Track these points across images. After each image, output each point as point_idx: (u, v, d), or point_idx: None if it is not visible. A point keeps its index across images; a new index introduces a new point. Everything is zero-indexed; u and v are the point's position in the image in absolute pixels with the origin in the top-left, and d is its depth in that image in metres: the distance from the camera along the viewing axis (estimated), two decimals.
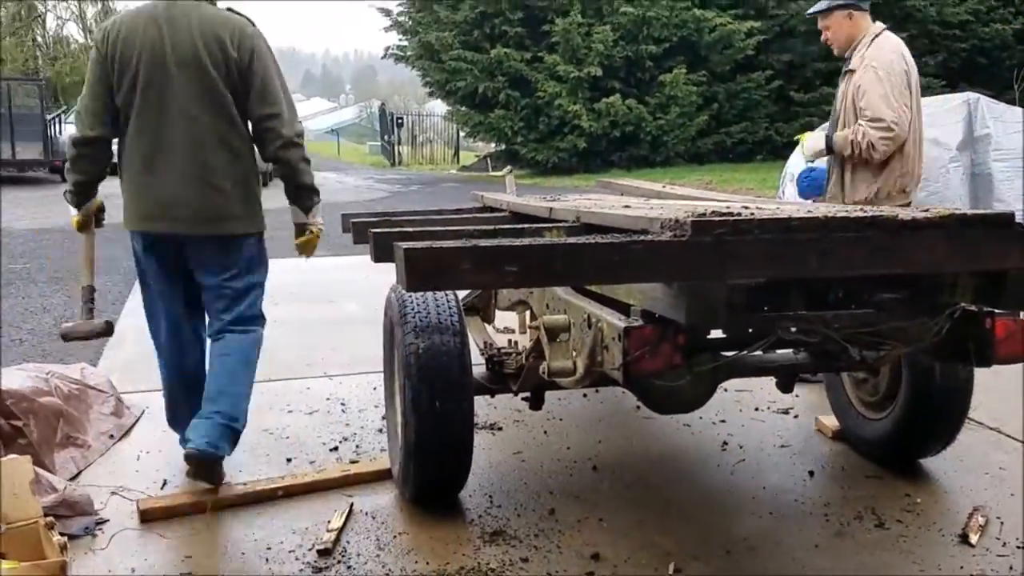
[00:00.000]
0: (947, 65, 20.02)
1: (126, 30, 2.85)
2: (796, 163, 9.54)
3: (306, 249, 3.41)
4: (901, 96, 3.43)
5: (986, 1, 19.44)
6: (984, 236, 1.88)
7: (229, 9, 3.00)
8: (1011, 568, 2.38)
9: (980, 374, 2.69)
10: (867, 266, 1.88)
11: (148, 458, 3.16)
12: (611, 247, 1.72)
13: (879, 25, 3.66)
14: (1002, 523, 2.63)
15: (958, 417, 2.90)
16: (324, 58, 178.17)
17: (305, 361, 4.42)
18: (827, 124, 3.88)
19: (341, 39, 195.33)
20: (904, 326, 2.17)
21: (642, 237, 1.81)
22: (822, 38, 3.79)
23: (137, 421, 3.50)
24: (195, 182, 2.88)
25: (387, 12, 25.10)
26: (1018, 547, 2.49)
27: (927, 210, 2.08)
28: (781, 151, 15.87)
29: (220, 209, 2.92)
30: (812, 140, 3.76)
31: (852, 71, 3.57)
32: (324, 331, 5.03)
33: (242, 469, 3.05)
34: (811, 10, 3.83)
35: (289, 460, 3.15)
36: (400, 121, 32.85)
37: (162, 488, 2.91)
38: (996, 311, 2.13)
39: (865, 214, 1.98)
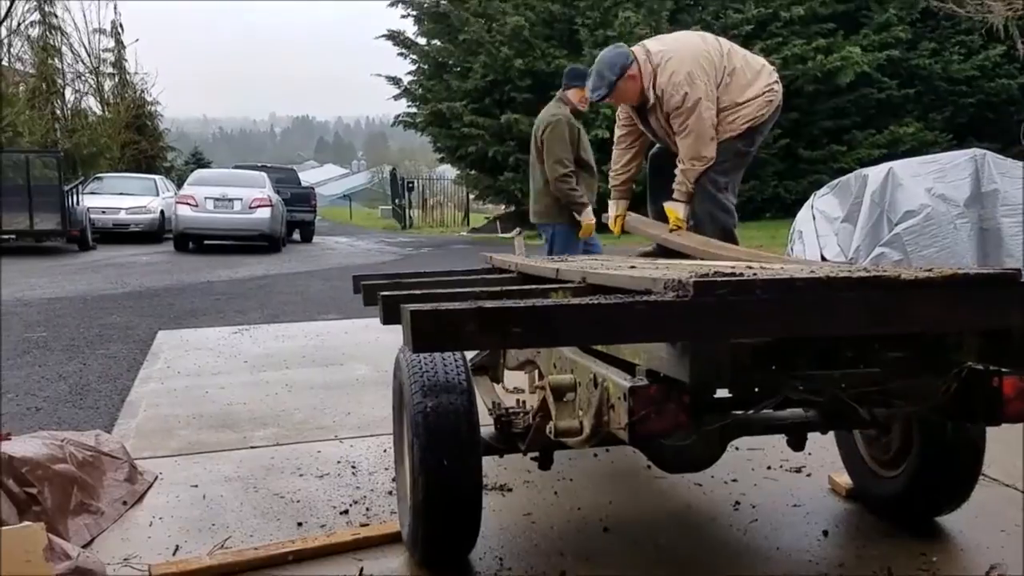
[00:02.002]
0: (954, 121, 20.23)
1: None
2: (804, 220, 9.64)
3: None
4: None
5: (991, 57, 19.73)
6: (987, 295, 1.90)
7: None
8: None
9: (994, 429, 2.67)
10: (869, 326, 1.91)
11: (161, 524, 3.16)
12: (614, 308, 1.75)
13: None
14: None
15: (972, 474, 2.88)
16: (337, 126, 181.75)
17: (316, 424, 4.43)
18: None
19: (353, 107, 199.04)
20: (911, 385, 2.18)
21: (645, 298, 1.84)
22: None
23: (150, 487, 3.51)
24: None
25: (396, 81, 25.64)
26: None
27: (930, 269, 2.11)
28: (790, 208, 15.97)
29: None
30: None
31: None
32: (336, 394, 5.05)
33: (253, 534, 3.05)
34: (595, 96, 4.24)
35: (300, 524, 3.15)
36: (411, 185, 33.35)
37: (174, 554, 2.90)
38: (1003, 369, 2.14)
39: (867, 273, 2.01)
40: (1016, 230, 8.03)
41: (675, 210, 4.18)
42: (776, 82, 4.24)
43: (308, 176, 46.20)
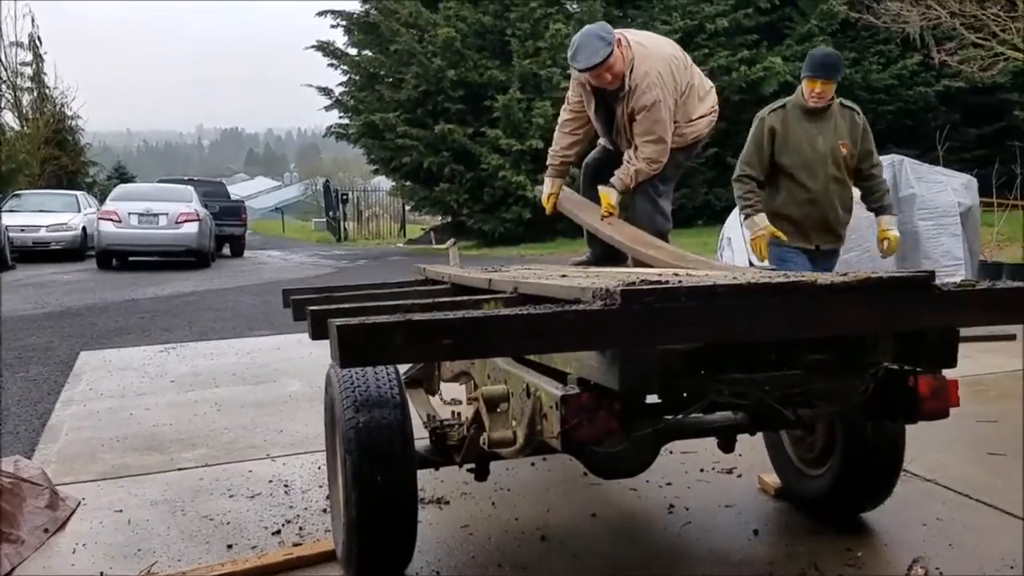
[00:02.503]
0: (874, 128, 20.79)
1: None
2: (732, 227, 9.82)
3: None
4: None
5: (909, 66, 20.42)
6: (901, 298, 1.97)
7: None
8: None
9: (912, 426, 2.76)
10: (790, 330, 1.96)
11: (84, 551, 3.07)
12: (543, 317, 1.76)
13: None
14: (941, 573, 2.68)
15: (893, 471, 2.97)
16: (267, 137, 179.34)
17: (247, 443, 4.35)
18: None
19: (284, 119, 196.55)
20: (832, 386, 2.24)
21: (574, 307, 1.86)
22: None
23: (72, 513, 3.40)
24: None
25: (328, 92, 25.40)
26: None
27: (846, 274, 2.17)
28: (719, 215, 16.26)
29: None
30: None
31: None
32: (267, 411, 4.96)
33: (180, 558, 2.98)
34: None
35: (230, 546, 3.08)
36: (345, 197, 33.07)
37: None
38: (918, 369, 2.22)
39: (787, 279, 2.06)
40: (933, 233, 8.32)
41: (608, 195, 4.12)
42: (716, 104, 4.32)
43: (238, 189, 45.46)
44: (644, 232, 4.05)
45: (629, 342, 1.85)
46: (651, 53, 4.00)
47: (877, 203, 4.62)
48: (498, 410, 2.31)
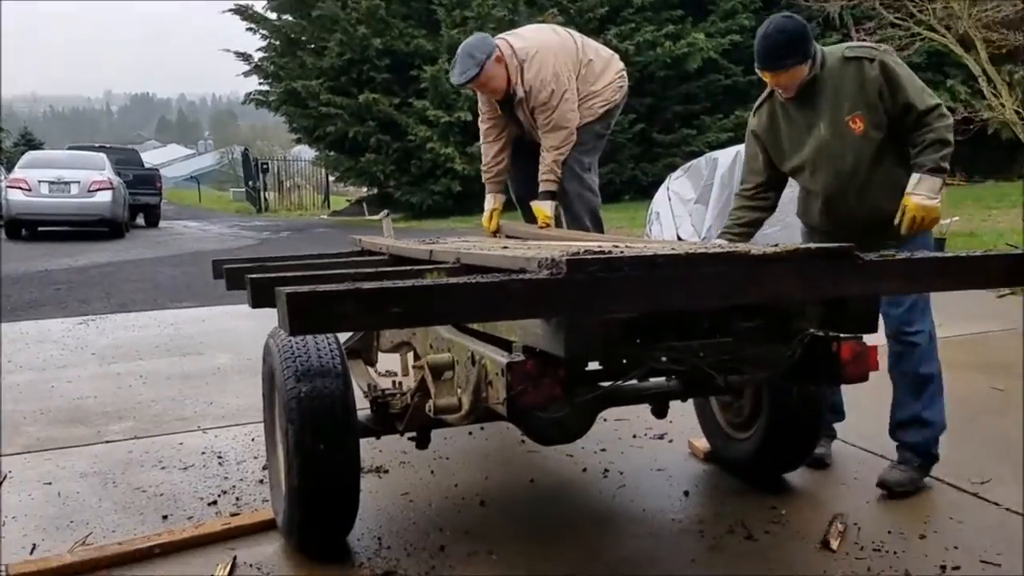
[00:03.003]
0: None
1: None
2: (660, 201, 10.02)
3: None
4: None
5: (828, 44, 20.95)
6: (826, 267, 2.07)
7: None
8: (869, 569, 2.57)
9: (849, 397, 2.91)
10: (725, 298, 2.04)
11: (14, 524, 3.01)
12: (492, 286, 1.80)
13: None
14: (859, 528, 2.84)
15: (814, 433, 3.14)
16: (180, 103, 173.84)
17: (176, 415, 4.30)
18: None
19: (198, 84, 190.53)
20: (761, 352, 2.35)
21: (521, 276, 1.90)
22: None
23: None
24: None
25: (247, 57, 24.73)
26: (874, 550, 2.69)
27: (776, 245, 2.27)
28: (647, 190, 16.51)
29: None
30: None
31: None
32: (196, 384, 4.90)
33: (115, 529, 2.95)
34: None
35: (165, 517, 3.06)
36: (265, 167, 32.29)
37: (31, 553, 2.78)
38: (841, 335, 2.34)
39: (722, 250, 2.15)
40: None
41: (543, 208, 4.22)
42: (623, 69, 4.44)
43: (150, 157, 43.96)
44: (581, 220, 4.16)
45: (574, 310, 1.91)
46: (540, 51, 4.12)
47: (915, 158, 3.13)
48: (443, 378, 2.35)
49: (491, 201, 4.54)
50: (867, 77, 3.12)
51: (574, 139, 4.21)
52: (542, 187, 4.25)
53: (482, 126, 4.50)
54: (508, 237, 4.21)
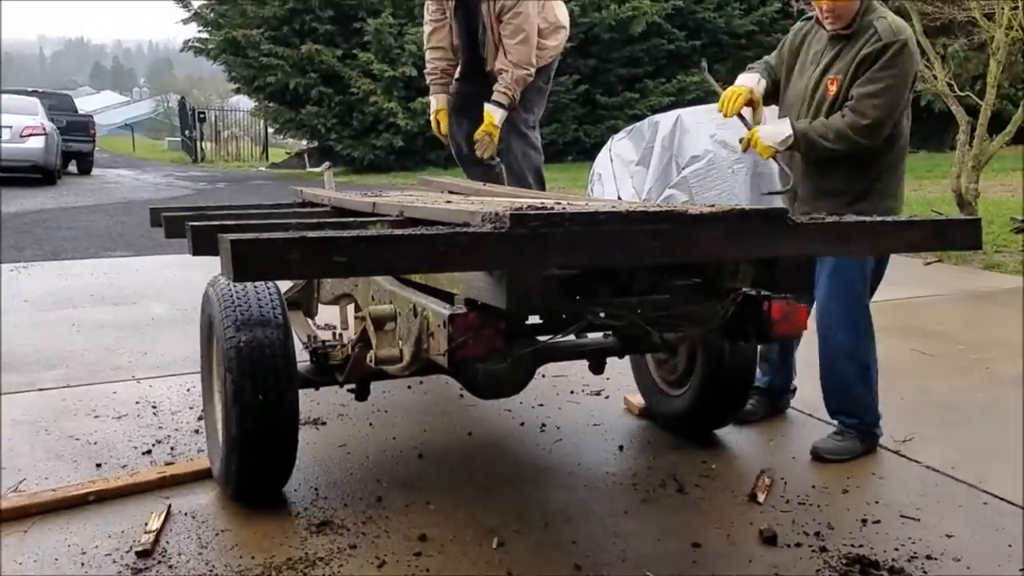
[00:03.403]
0: (735, 72, 21.46)
1: None
2: (602, 163, 10.08)
3: None
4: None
5: (768, 14, 21.17)
6: (759, 228, 2.13)
7: None
8: (793, 521, 2.68)
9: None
10: (663, 255, 2.09)
11: None
12: (437, 238, 1.82)
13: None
14: (785, 482, 2.95)
15: (745, 390, 3.25)
16: (115, 49, 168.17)
17: (111, 365, 4.24)
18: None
19: (134, 30, 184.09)
20: (696, 310, 2.41)
21: (465, 229, 1.93)
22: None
23: None
24: None
25: (186, 4, 23.94)
26: (799, 503, 2.81)
27: (713, 206, 2.32)
28: (589, 151, 16.55)
29: None
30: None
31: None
32: (130, 334, 4.82)
33: (48, 476, 2.92)
34: None
35: (99, 465, 3.04)
36: (202, 116, 31.45)
37: None
38: (772, 295, 2.41)
39: (660, 209, 2.20)
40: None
41: (494, 114, 4.10)
42: (568, 20, 4.37)
43: (83, 103, 42.48)
44: (525, 177, 4.15)
45: (517, 263, 1.94)
46: None
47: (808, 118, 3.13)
48: (385, 329, 2.37)
49: (435, 102, 4.43)
50: (871, 45, 3.00)
51: (534, 60, 4.07)
52: (497, 96, 4.10)
53: (426, 28, 4.37)
54: (451, 192, 4.21)
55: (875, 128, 2.99)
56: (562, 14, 4.32)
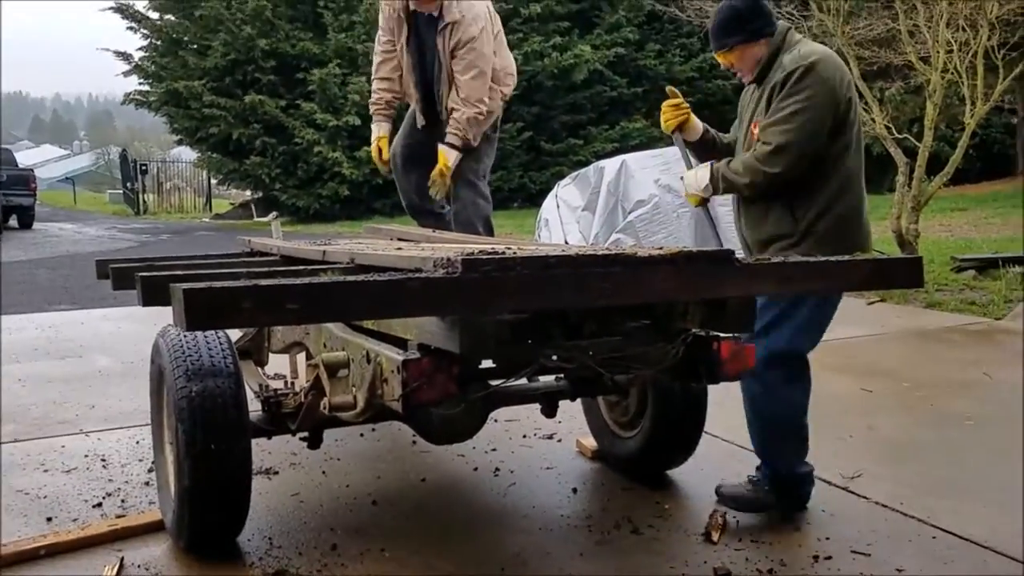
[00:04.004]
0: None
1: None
2: (549, 208, 10.21)
3: None
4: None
5: (708, 60, 21.82)
6: (707, 269, 2.20)
7: None
8: (747, 559, 2.71)
9: (713, 393, 3.06)
10: (613, 297, 2.13)
11: None
12: (390, 284, 1.85)
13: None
14: (738, 521, 2.99)
15: (696, 431, 3.28)
16: (55, 103, 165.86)
17: (58, 419, 4.15)
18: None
19: (73, 83, 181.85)
20: (646, 351, 2.46)
21: (417, 275, 1.95)
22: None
23: None
24: None
25: (126, 56, 23.83)
26: (752, 541, 2.85)
27: (661, 248, 2.39)
28: (535, 198, 16.74)
29: None
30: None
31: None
32: (76, 387, 4.73)
33: None
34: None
35: (50, 519, 2.98)
36: (144, 168, 31.16)
37: None
38: (721, 335, 2.48)
39: (610, 252, 2.25)
40: (730, 218, 9.01)
41: (447, 155, 4.06)
42: (515, 72, 4.40)
43: (23, 157, 41.79)
44: (462, 212, 4.18)
45: (470, 308, 1.97)
46: None
47: (721, 153, 3.19)
48: (338, 376, 2.37)
49: (377, 130, 4.36)
50: (771, 83, 2.86)
51: (487, 97, 4.04)
52: (450, 137, 4.06)
53: (376, 59, 4.33)
54: (400, 240, 4.23)
55: (778, 153, 2.78)
56: (511, 62, 4.39)
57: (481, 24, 3.89)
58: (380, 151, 4.38)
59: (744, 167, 2.89)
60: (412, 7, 4.02)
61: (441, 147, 4.13)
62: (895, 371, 5.13)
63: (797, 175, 2.82)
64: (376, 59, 4.35)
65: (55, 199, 41.41)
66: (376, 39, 4.32)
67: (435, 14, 3.95)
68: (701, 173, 3.06)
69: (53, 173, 58.13)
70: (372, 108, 4.42)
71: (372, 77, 4.42)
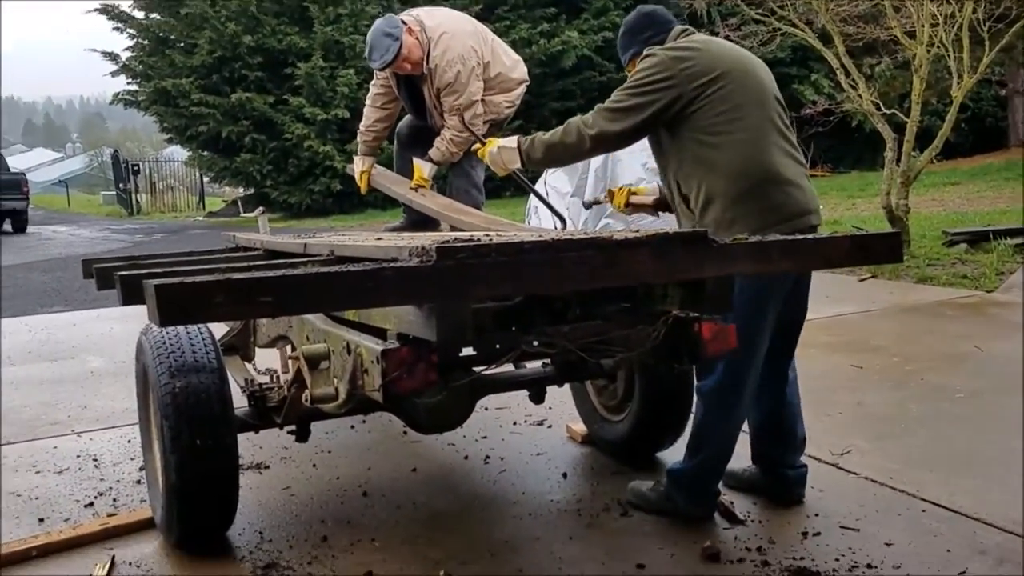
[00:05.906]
0: None
1: None
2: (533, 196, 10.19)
3: None
4: None
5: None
6: (683, 250, 2.20)
7: None
8: (735, 538, 2.73)
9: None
10: (590, 280, 2.13)
11: None
12: (363, 274, 1.84)
13: None
14: (731, 501, 2.99)
15: (684, 412, 3.29)
16: (46, 107, 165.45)
17: (50, 420, 4.16)
18: None
19: (64, 86, 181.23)
20: (628, 334, 2.47)
21: (392, 264, 1.95)
22: None
23: None
24: None
25: (114, 57, 23.76)
26: (741, 519, 2.86)
27: (638, 231, 2.39)
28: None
29: None
30: None
31: None
32: (68, 388, 4.74)
33: None
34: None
35: (42, 520, 2.99)
36: (136, 168, 31.07)
37: None
38: (701, 315, 2.48)
39: (586, 236, 2.26)
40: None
41: (422, 168, 4.21)
42: (526, 73, 4.53)
43: (17, 162, 41.85)
44: (456, 201, 4.19)
45: (445, 296, 1.97)
46: (449, 31, 4.11)
47: None
48: (319, 368, 2.38)
49: (361, 163, 4.53)
50: None
51: (479, 123, 4.17)
52: (432, 152, 4.22)
53: (372, 89, 4.44)
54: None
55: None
56: (516, 65, 4.44)
57: (456, 68, 4.05)
58: (363, 180, 4.55)
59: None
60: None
61: (416, 160, 4.27)
62: (886, 347, 5.15)
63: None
64: (373, 90, 4.45)
65: (49, 202, 41.38)
66: (372, 82, 4.44)
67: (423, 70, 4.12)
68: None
69: (47, 177, 58.06)
70: (361, 138, 4.55)
71: (368, 104, 4.51)
